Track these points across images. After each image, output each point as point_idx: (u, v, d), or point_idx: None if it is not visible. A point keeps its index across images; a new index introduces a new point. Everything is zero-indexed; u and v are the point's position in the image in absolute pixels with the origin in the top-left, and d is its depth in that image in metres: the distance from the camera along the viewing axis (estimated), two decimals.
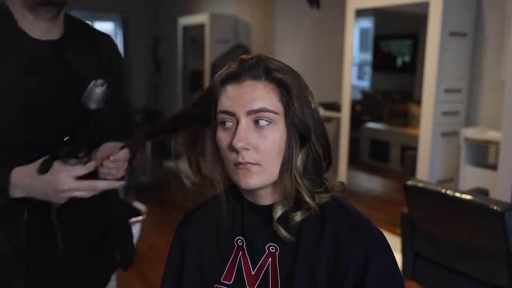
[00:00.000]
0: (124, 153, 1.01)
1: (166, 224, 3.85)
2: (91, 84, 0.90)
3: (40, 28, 1.00)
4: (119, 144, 0.99)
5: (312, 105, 0.83)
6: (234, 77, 0.81)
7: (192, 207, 1.00)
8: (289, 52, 4.36)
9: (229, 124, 0.81)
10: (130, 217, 2.03)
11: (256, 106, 0.78)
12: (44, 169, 0.92)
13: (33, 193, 0.94)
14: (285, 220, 0.82)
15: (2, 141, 0.95)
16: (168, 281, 0.94)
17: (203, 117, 0.84)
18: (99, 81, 0.90)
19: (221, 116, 0.81)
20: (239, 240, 0.87)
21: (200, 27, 5.27)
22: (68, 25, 1.07)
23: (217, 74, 0.85)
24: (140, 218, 2.06)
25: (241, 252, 0.86)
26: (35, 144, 0.97)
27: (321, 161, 0.84)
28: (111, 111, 1.00)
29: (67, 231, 1.05)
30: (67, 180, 0.92)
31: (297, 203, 0.82)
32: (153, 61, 7.01)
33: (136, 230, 2.09)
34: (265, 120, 0.78)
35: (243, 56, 0.84)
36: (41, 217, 1.01)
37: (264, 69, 0.80)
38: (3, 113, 0.95)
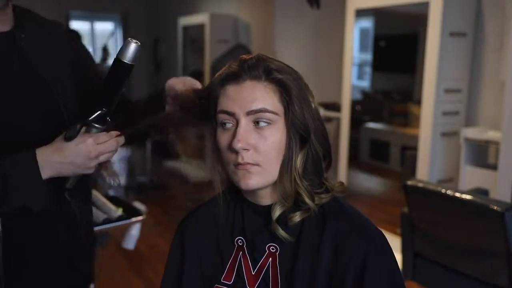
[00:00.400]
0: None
1: (166, 224, 3.85)
2: (129, 39, 0.90)
3: None
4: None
5: (313, 105, 0.83)
6: (234, 77, 0.80)
7: (192, 207, 0.99)
8: (289, 52, 4.36)
9: (228, 124, 0.80)
10: (130, 217, 2.02)
11: (256, 106, 0.78)
12: (73, 135, 0.90)
13: (63, 169, 0.91)
14: (284, 220, 0.82)
15: None
16: (168, 281, 0.94)
17: (202, 116, 0.84)
18: (134, 40, 0.90)
19: (220, 116, 0.81)
20: (239, 240, 0.87)
21: (200, 27, 5.27)
22: (17, 15, 1.02)
23: (216, 74, 0.85)
24: (140, 218, 2.05)
25: (241, 252, 0.86)
26: (2, 145, 0.93)
27: (321, 161, 0.84)
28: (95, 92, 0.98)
29: (42, 241, 1.02)
30: (95, 146, 0.91)
31: (297, 203, 0.82)
32: (153, 61, 7.01)
33: (136, 230, 2.09)
34: (264, 120, 0.78)
35: (243, 56, 0.84)
36: (16, 225, 0.97)
37: (264, 69, 0.80)
38: None
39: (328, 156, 0.86)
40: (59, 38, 1.11)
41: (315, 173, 0.83)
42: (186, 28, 5.78)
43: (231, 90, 0.80)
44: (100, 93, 0.94)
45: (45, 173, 0.90)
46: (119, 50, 0.90)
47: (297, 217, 0.81)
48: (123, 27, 7.36)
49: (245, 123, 0.78)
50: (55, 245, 1.07)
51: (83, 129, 0.92)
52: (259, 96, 0.78)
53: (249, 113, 0.78)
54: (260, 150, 0.79)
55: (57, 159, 0.90)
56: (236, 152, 0.78)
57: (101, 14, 7.39)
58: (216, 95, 0.83)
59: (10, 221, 0.95)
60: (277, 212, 0.82)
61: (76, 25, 6.92)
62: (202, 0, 5.93)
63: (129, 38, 0.90)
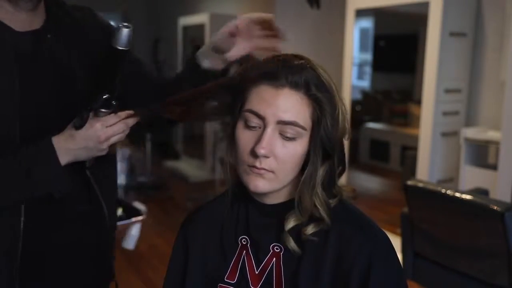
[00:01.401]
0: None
1: (166, 224, 3.85)
2: (119, 25, 0.91)
3: (21, 20, 0.97)
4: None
5: (341, 123, 0.80)
6: (272, 78, 0.77)
7: (195, 207, 0.99)
8: (289, 52, 4.36)
9: (254, 126, 0.78)
10: (130, 217, 2.02)
11: (288, 118, 0.76)
12: (81, 123, 0.94)
13: (78, 155, 0.95)
14: (294, 228, 0.81)
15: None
16: (171, 280, 0.94)
17: (228, 106, 0.82)
18: (125, 24, 0.91)
19: (248, 115, 0.78)
20: (243, 239, 0.86)
21: (200, 27, 5.27)
22: (49, 11, 1.03)
23: (251, 64, 0.81)
24: (140, 218, 2.05)
25: (244, 251, 0.86)
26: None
27: (335, 173, 0.83)
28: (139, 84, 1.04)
29: (63, 239, 1.04)
30: (103, 129, 0.94)
31: (310, 215, 0.81)
32: (153, 61, 7.01)
33: (136, 230, 2.09)
34: (291, 133, 0.77)
35: (288, 55, 0.80)
36: (38, 209, 1.00)
37: (305, 81, 0.76)
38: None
39: (342, 165, 0.85)
40: (88, 30, 1.10)
41: (331, 185, 0.83)
42: (186, 28, 5.77)
43: (267, 92, 0.77)
44: (99, 79, 0.96)
45: (63, 159, 0.93)
46: (111, 37, 0.91)
47: (309, 230, 0.80)
48: None
49: (272, 130, 0.76)
50: (79, 231, 1.09)
51: (91, 115, 0.95)
52: (293, 107, 0.76)
53: (279, 122, 0.76)
54: (280, 160, 0.77)
55: (71, 145, 0.94)
56: (255, 156, 0.77)
57: (101, 14, 7.38)
58: (248, 90, 0.80)
59: (33, 208, 0.98)
60: (290, 224, 0.80)
61: None
62: (202, 0, 5.93)
63: (120, 24, 0.91)
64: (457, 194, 1.93)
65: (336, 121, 0.79)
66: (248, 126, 0.79)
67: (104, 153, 0.98)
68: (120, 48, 0.90)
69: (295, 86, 0.76)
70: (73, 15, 1.08)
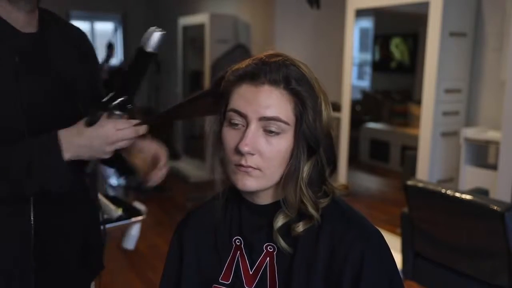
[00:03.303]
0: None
1: (166, 224, 3.85)
2: (152, 28, 0.93)
3: (20, 20, 0.98)
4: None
5: (325, 115, 0.81)
6: (252, 77, 0.78)
7: (192, 208, 0.99)
8: (289, 52, 4.32)
9: (238, 124, 0.79)
10: (130, 217, 2.02)
11: (270, 113, 0.77)
12: (94, 120, 0.93)
13: (82, 152, 0.94)
14: (285, 227, 0.81)
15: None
16: (167, 281, 0.94)
17: (214, 108, 0.83)
18: (158, 28, 0.93)
19: (231, 115, 0.80)
20: (237, 240, 0.87)
21: (200, 27, 5.27)
22: (42, 17, 1.05)
23: (233, 68, 0.82)
24: (140, 218, 2.05)
25: (239, 252, 0.86)
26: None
27: (324, 169, 0.83)
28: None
29: (49, 239, 1.04)
30: (114, 132, 0.93)
31: (299, 212, 0.81)
32: (153, 61, 7.01)
33: (136, 230, 2.09)
34: (275, 128, 0.77)
35: (266, 54, 0.81)
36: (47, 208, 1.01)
37: (285, 76, 0.77)
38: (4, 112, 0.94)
39: (332, 163, 0.85)
40: (81, 45, 1.14)
41: (319, 182, 0.83)
42: (186, 28, 5.77)
43: (247, 91, 0.79)
44: (123, 81, 0.96)
45: (66, 154, 0.93)
46: (142, 39, 0.93)
47: (299, 228, 0.80)
48: (123, 27, 7.36)
49: (255, 127, 0.77)
50: (78, 232, 1.11)
51: (105, 114, 0.94)
52: (274, 103, 0.77)
53: (261, 118, 0.77)
54: (265, 156, 0.78)
55: (76, 141, 0.93)
56: (240, 154, 0.78)
57: (101, 14, 7.38)
58: (230, 91, 0.81)
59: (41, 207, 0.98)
60: (279, 222, 0.81)
61: (76, 25, 6.90)
62: (202, 0, 5.93)
63: (153, 27, 0.93)
64: (457, 194, 1.93)
65: (319, 114, 0.79)
66: (232, 125, 0.80)
67: (106, 156, 0.97)
68: (150, 51, 0.92)
69: (274, 82, 0.77)
70: (59, 21, 1.11)
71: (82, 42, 1.16)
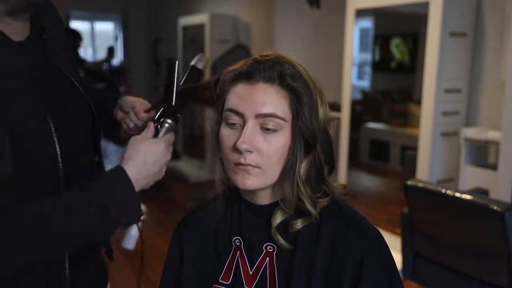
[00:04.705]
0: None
1: (166, 224, 3.85)
2: (201, 54, 1.06)
3: (20, 30, 0.96)
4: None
5: (321, 112, 0.82)
6: (247, 76, 0.79)
7: (192, 208, 1.00)
8: (289, 52, 4.35)
9: (235, 123, 0.80)
10: None
11: (266, 110, 0.77)
12: (158, 132, 0.89)
13: (146, 182, 0.87)
14: (283, 225, 0.82)
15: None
16: (167, 281, 0.94)
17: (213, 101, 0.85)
18: (204, 54, 1.06)
19: (228, 114, 0.81)
20: (237, 240, 0.87)
21: (200, 27, 5.27)
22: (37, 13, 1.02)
23: (229, 68, 0.83)
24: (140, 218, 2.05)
25: (238, 252, 0.86)
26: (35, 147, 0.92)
27: (323, 168, 0.84)
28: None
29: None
30: (169, 149, 0.89)
31: (297, 209, 0.81)
32: (153, 61, 7.01)
33: (136, 230, 2.08)
34: (272, 125, 0.78)
35: (261, 54, 0.82)
36: None
37: (279, 73, 0.78)
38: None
39: (331, 161, 0.86)
40: (59, 20, 1.11)
41: (317, 179, 0.83)
42: (186, 28, 5.77)
43: (243, 90, 0.79)
44: (173, 94, 0.93)
45: (137, 187, 0.86)
46: (196, 61, 1.03)
47: (298, 225, 0.81)
48: (123, 27, 7.37)
49: (252, 125, 0.78)
50: None
51: (157, 126, 0.89)
52: (270, 100, 0.78)
53: (258, 116, 0.78)
54: (263, 154, 0.78)
55: (146, 171, 0.86)
56: (239, 152, 0.78)
57: (101, 14, 7.39)
58: (226, 92, 0.82)
59: None
60: (278, 220, 0.81)
61: (76, 25, 6.92)
62: (202, 0, 5.93)
63: (202, 53, 1.06)
64: (457, 194, 1.93)
65: (315, 110, 0.80)
66: (229, 125, 0.81)
67: (159, 177, 0.91)
68: (200, 68, 1.02)
69: (269, 79, 0.78)
70: (56, 16, 1.09)
71: (58, 17, 1.11)
